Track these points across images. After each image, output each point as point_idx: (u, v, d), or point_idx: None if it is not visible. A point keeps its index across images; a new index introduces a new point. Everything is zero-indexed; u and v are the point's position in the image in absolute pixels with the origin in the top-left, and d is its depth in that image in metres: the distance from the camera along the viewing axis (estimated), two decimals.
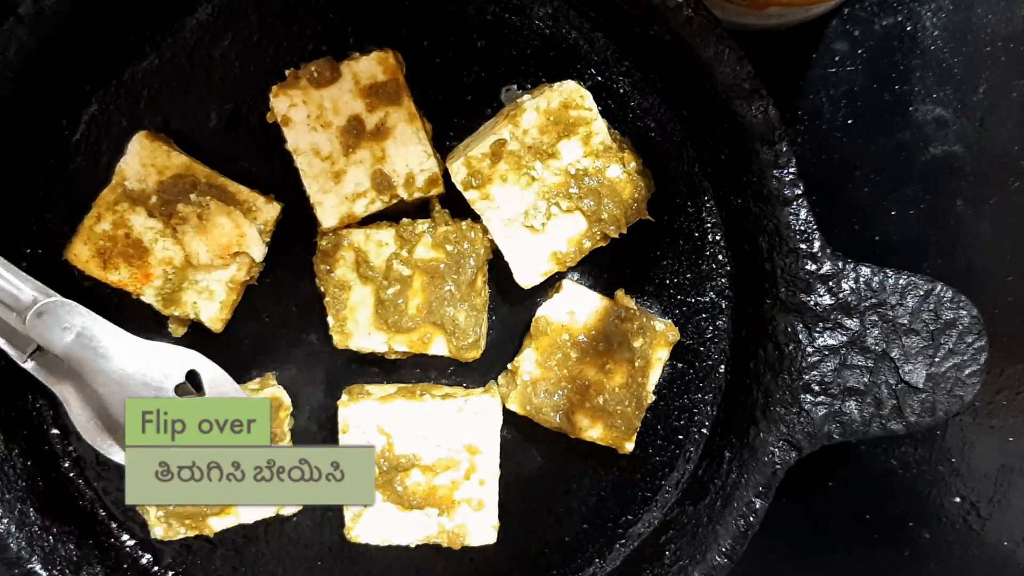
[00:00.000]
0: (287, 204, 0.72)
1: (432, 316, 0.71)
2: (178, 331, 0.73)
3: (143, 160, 0.69)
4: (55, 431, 0.74)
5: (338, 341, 0.72)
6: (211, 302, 0.71)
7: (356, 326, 0.71)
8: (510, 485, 0.74)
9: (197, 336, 0.73)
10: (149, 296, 0.71)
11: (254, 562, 0.75)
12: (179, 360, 0.69)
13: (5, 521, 0.69)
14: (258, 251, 0.71)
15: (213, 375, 0.69)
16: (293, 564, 0.76)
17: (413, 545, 0.72)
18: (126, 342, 0.68)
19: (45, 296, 0.67)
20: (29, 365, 0.68)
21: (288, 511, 0.74)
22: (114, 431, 0.69)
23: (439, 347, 0.72)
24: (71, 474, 0.74)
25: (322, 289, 0.72)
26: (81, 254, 0.70)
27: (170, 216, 0.70)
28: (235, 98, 0.73)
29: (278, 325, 0.74)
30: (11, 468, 0.71)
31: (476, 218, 0.71)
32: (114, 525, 0.75)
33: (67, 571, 0.71)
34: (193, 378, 0.69)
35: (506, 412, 0.73)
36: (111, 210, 0.70)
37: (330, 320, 0.71)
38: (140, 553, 0.75)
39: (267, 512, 0.73)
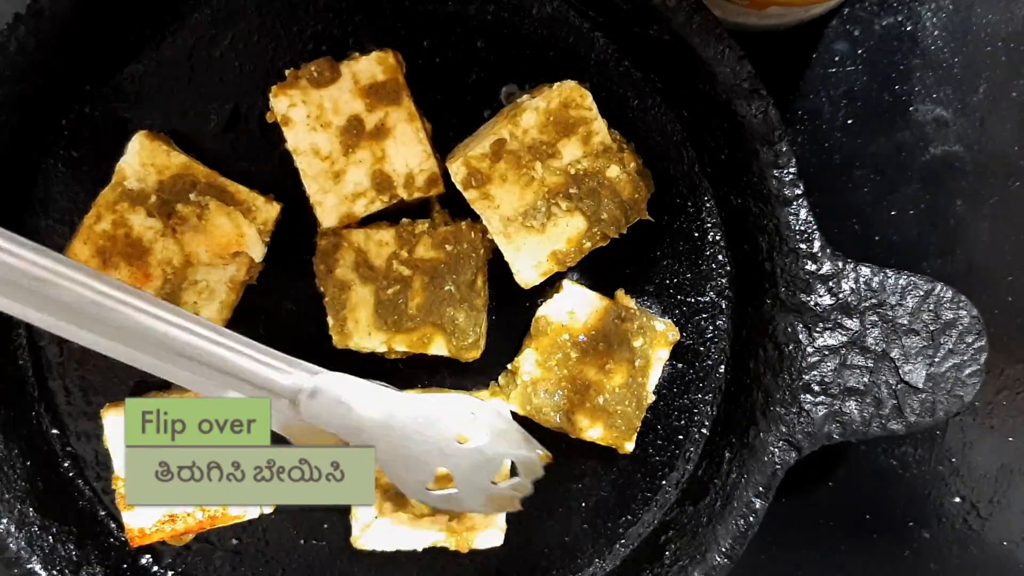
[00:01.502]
0: (287, 204, 0.72)
1: (432, 316, 0.71)
2: None
3: (143, 160, 0.69)
4: (55, 431, 0.74)
5: (338, 341, 0.72)
6: (211, 302, 0.71)
7: (356, 326, 0.71)
8: None
9: None
10: None
11: (254, 562, 0.75)
12: (456, 410, 0.67)
13: (5, 521, 0.69)
14: (258, 251, 0.71)
15: (491, 419, 0.68)
16: (293, 564, 0.76)
17: (420, 549, 0.72)
18: (401, 405, 0.66)
19: (309, 373, 0.64)
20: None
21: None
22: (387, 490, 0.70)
23: (439, 347, 0.72)
24: (71, 474, 0.74)
25: (322, 289, 0.72)
26: (81, 253, 0.70)
27: (169, 216, 0.70)
28: (235, 98, 0.73)
29: (278, 325, 0.74)
30: (11, 468, 0.71)
31: (476, 218, 0.71)
32: (114, 525, 0.75)
33: (67, 571, 0.71)
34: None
35: None
36: (111, 210, 0.70)
37: (330, 320, 0.71)
38: (140, 553, 0.75)
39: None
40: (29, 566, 0.69)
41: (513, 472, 0.70)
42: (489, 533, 0.73)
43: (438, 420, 0.66)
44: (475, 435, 0.67)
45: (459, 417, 0.67)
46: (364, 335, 0.71)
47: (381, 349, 0.72)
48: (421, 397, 0.68)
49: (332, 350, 0.72)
